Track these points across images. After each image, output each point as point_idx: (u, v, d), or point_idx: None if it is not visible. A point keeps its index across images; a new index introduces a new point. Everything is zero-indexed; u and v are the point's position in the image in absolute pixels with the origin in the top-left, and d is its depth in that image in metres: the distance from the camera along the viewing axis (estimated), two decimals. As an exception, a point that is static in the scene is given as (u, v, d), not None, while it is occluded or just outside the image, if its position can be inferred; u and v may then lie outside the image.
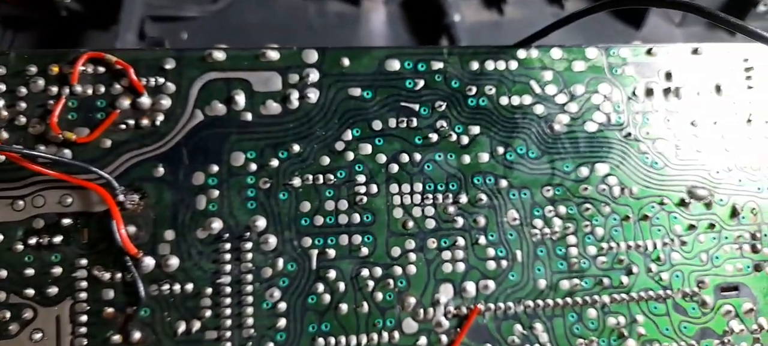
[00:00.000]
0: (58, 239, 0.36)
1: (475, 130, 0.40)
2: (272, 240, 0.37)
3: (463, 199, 0.40)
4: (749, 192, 0.43)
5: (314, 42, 0.44)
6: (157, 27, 0.66)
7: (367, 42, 0.67)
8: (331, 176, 0.38)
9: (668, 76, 0.43)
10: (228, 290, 0.37)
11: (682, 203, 0.42)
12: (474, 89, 0.41)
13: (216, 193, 0.37)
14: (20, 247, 0.36)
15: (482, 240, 0.39)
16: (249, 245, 0.37)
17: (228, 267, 0.37)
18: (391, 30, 0.70)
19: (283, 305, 0.37)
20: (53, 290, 0.36)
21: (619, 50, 0.43)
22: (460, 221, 0.39)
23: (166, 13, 0.67)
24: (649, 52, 0.43)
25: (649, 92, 0.43)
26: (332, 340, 0.37)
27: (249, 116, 0.38)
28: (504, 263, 0.39)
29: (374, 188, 0.39)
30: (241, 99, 0.38)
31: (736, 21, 0.35)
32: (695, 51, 0.44)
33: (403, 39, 0.69)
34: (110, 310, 0.36)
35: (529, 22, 0.73)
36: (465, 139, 0.40)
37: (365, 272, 0.38)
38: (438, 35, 0.67)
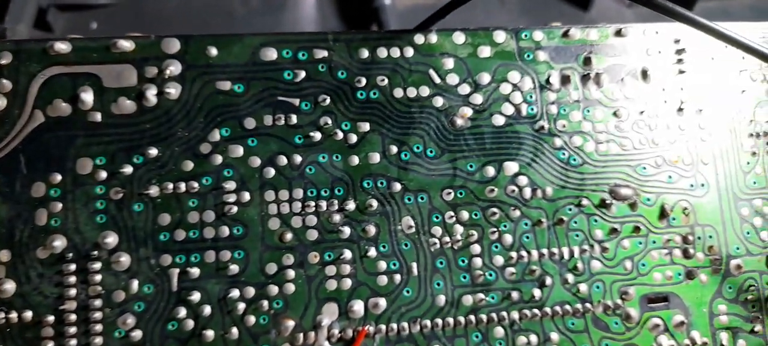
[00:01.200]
0: None
1: (365, 127, 0.35)
2: (125, 259, 0.32)
3: (351, 206, 0.35)
4: (680, 190, 0.38)
5: (234, 30, 0.39)
6: (64, 17, 0.61)
7: (293, 29, 0.62)
8: (195, 184, 0.33)
9: (587, 61, 0.38)
10: (73, 317, 0.32)
11: (603, 205, 0.37)
12: (364, 80, 0.36)
13: (59, 206, 0.32)
14: None
15: (372, 252, 0.35)
16: (98, 265, 0.32)
17: (73, 291, 0.32)
18: (321, 15, 0.65)
19: (138, 333, 0.32)
20: None
21: (532, 33, 0.38)
22: (347, 230, 0.34)
23: (73, 1, 0.61)
24: (565, 34, 0.38)
25: (565, 80, 0.38)
26: (196, 371, 0.33)
27: (98, 116, 0.33)
28: (397, 277, 0.35)
29: (246, 196, 0.34)
30: (88, 97, 0.33)
31: (674, 7, 0.31)
32: (619, 32, 0.39)
33: (332, 25, 0.64)
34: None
35: (469, 5, 0.68)
36: (353, 138, 0.35)
37: (235, 293, 0.33)
38: (369, 20, 0.62)
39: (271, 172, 0.34)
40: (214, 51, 0.35)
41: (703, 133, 0.39)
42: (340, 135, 0.35)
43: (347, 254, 0.34)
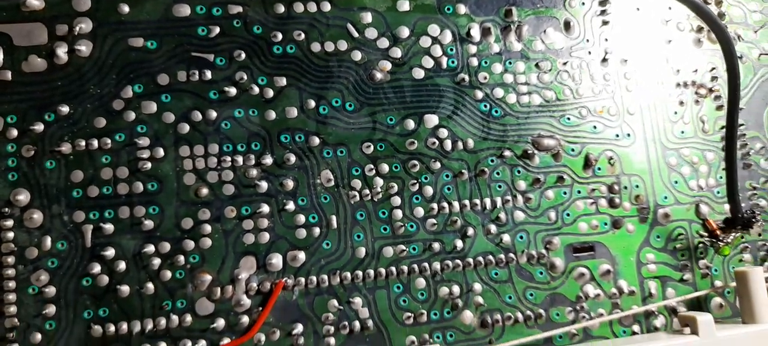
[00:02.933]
0: None
1: (282, 81, 0.35)
2: (37, 216, 0.32)
3: (268, 160, 0.35)
4: (606, 140, 0.38)
5: None
6: None
7: None
8: (108, 140, 0.33)
9: (508, 13, 0.38)
10: (-15, 275, 0.32)
11: (526, 155, 0.37)
12: (280, 35, 0.36)
13: (-30, 164, 0.33)
14: None
15: (291, 206, 0.34)
16: (9, 223, 0.32)
17: (-16, 249, 0.32)
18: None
19: (51, 290, 0.32)
20: None
21: (452, -14, 0.38)
22: (265, 185, 0.34)
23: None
24: (485, -14, 0.38)
25: (486, 32, 0.38)
26: (111, 327, 0.32)
27: (8, 75, 0.33)
28: (316, 230, 0.34)
29: (160, 152, 0.34)
30: (-1, 56, 0.33)
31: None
32: (540, -16, 0.39)
33: None
34: None
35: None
36: (270, 93, 0.35)
37: (150, 248, 0.33)
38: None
39: (186, 127, 0.34)
40: (126, 8, 0.34)
41: (629, 83, 0.39)
42: (257, 90, 0.35)
43: (265, 208, 0.34)
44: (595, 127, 0.38)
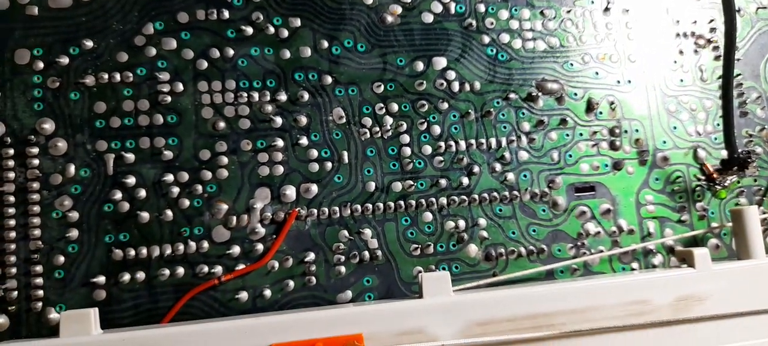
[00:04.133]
0: None
1: (296, 22, 0.37)
2: (62, 144, 0.34)
3: (282, 97, 0.36)
4: (607, 86, 0.40)
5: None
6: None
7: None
8: (130, 74, 0.35)
9: (514, -39, 0.40)
10: (11, 199, 0.33)
11: (530, 98, 0.38)
12: (295, -22, 0.37)
13: (-2, 94, 0.34)
14: None
15: (304, 141, 0.36)
16: (35, 150, 0.34)
17: (11, 174, 0.33)
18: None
19: (74, 215, 0.33)
20: None
21: (460, -65, 0.39)
22: (279, 120, 0.36)
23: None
24: (492, -64, 0.39)
25: (493, -21, 0.39)
26: (132, 251, 0.33)
27: (35, 10, 0.35)
28: (328, 165, 0.36)
29: (180, 87, 0.35)
30: (26, -9, 0.35)
31: None
32: (546, -65, 0.40)
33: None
34: None
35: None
36: (284, 32, 0.36)
37: (169, 177, 0.34)
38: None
39: (204, 64, 0.35)
40: (148, -51, 0.36)
41: (631, 32, 0.40)
42: (272, 30, 0.36)
43: (279, 142, 0.36)
44: (597, 73, 0.40)
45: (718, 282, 0.35)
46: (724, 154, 0.39)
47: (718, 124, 0.40)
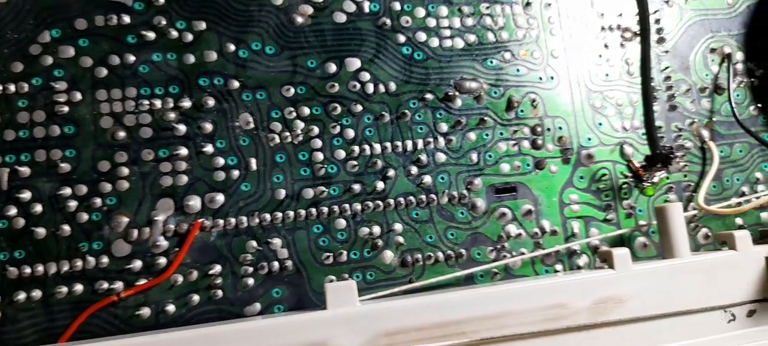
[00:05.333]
0: None
1: (201, 26, 0.35)
2: (-48, 159, 0.33)
3: (186, 103, 0.35)
4: (529, 83, 0.39)
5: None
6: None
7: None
8: (25, 85, 0.33)
9: (429, -43, 0.38)
10: None
11: (448, 98, 0.37)
12: (198, -20, 0.36)
13: None
14: None
15: (209, 148, 0.34)
16: (-76, 166, 0.33)
17: None
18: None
19: (-34, 232, 0.32)
20: None
21: (373, -69, 0.38)
22: (182, 128, 0.34)
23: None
24: (406, -69, 0.38)
25: (407, -24, 0.38)
26: (27, 269, 0.32)
27: None
28: (235, 173, 0.35)
29: (77, 96, 0.34)
30: None
31: None
32: (463, -71, 0.39)
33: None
34: None
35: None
36: (189, 36, 0.35)
37: (66, 191, 0.33)
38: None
39: (103, 71, 0.34)
40: (42, -47, 0.35)
41: (553, 27, 0.39)
42: (175, 34, 0.35)
43: (183, 150, 0.34)
44: (518, 70, 0.38)
45: (639, 283, 0.34)
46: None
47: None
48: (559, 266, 0.37)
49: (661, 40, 0.40)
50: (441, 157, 0.37)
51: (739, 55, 0.41)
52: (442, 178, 0.37)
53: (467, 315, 0.32)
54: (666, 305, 0.34)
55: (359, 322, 0.31)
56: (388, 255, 0.35)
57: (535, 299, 0.33)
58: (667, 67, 0.40)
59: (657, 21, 0.40)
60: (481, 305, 0.32)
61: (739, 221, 0.39)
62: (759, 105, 0.41)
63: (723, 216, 0.39)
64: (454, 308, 0.32)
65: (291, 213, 0.35)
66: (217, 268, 0.34)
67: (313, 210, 0.35)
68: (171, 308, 0.33)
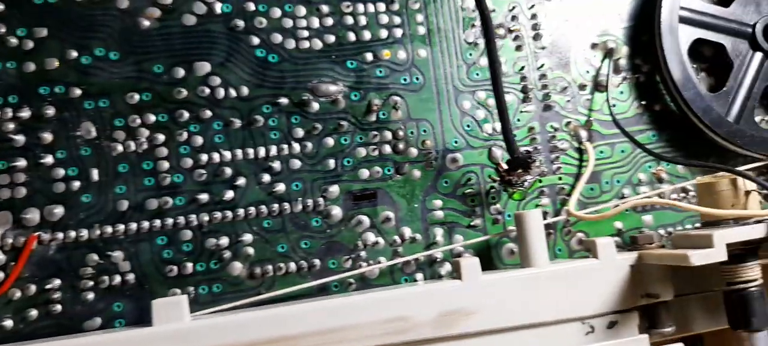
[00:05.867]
0: None
1: (43, 32, 0.34)
2: None
3: (25, 113, 0.34)
4: (392, 85, 0.37)
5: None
6: None
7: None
8: None
9: (284, -46, 0.37)
10: None
11: (304, 102, 0.36)
12: (39, -16, 0.35)
13: None
14: None
15: (48, 159, 0.34)
16: None
17: None
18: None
19: None
20: None
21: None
22: (21, 138, 0.33)
23: None
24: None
25: (261, -25, 0.37)
26: None
27: None
28: (76, 184, 0.34)
29: None
30: None
31: None
32: (323, -76, 0.37)
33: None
34: None
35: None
36: (29, 44, 0.34)
37: None
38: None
39: (-64, 82, 0.34)
40: None
41: (420, 27, 0.38)
42: (15, 41, 0.34)
43: (21, 162, 0.33)
44: (380, 71, 0.37)
45: (488, 294, 0.33)
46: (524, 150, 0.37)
47: (519, 119, 0.38)
48: (419, 275, 0.36)
49: (537, 37, 0.39)
50: (296, 163, 0.35)
51: (624, 50, 0.40)
52: (297, 185, 0.35)
53: (303, 330, 0.31)
54: (519, 316, 0.33)
55: (187, 340, 0.31)
56: (237, 266, 0.34)
57: (376, 312, 0.32)
58: (542, 65, 0.38)
59: (533, 16, 0.39)
60: (318, 318, 0.31)
61: (618, 224, 0.38)
62: (643, 102, 0.39)
63: (596, 221, 0.37)
64: (289, 323, 0.31)
65: (134, 225, 0.34)
66: (56, 282, 0.33)
67: (158, 221, 0.34)
68: (8, 323, 0.32)
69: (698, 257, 0.30)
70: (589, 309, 0.34)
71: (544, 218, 0.37)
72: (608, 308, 0.34)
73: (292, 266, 0.35)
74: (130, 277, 0.34)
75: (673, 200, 0.37)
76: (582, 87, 0.39)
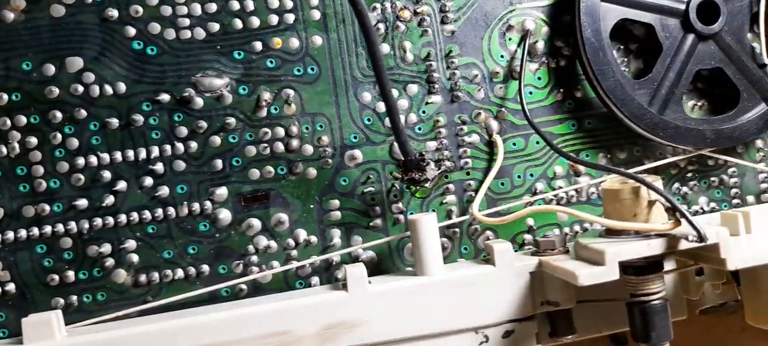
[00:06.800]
0: None
1: None
2: None
3: None
4: (285, 77, 0.34)
5: None
6: None
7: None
8: None
9: (159, -67, 0.33)
10: None
11: (187, 98, 0.33)
12: None
13: None
14: None
15: None
16: None
17: None
18: None
19: None
20: None
21: None
22: None
23: None
24: None
25: (134, -42, 0.33)
26: None
27: None
28: (-58, 195, 0.32)
29: None
30: None
31: None
32: None
33: None
34: None
35: None
36: None
37: None
38: None
39: None
40: None
41: (314, 12, 0.34)
42: None
43: None
44: (271, 62, 0.34)
45: (374, 305, 0.31)
46: (430, 146, 0.35)
47: (424, 112, 0.35)
48: (315, 279, 0.34)
49: (444, 21, 0.35)
50: (180, 165, 0.33)
51: (544, 31, 0.36)
52: (182, 188, 0.34)
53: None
54: (408, 327, 0.32)
55: (59, 358, 0.30)
56: (121, 274, 0.33)
57: (255, 327, 0.31)
58: (450, 52, 0.35)
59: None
60: (194, 335, 0.31)
61: (530, 222, 0.36)
62: (561, 90, 0.36)
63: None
64: (163, 339, 0.30)
65: (11, 234, 0.33)
66: (-68, 294, 0.32)
67: (35, 229, 0.33)
68: None
69: (586, 277, 0.29)
70: (484, 318, 0.33)
71: (450, 217, 0.35)
72: (505, 316, 0.33)
73: (180, 272, 0.33)
74: (11, 287, 0.33)
75: (569, 209, 0.33)
76: (494, 75, 0.36)
